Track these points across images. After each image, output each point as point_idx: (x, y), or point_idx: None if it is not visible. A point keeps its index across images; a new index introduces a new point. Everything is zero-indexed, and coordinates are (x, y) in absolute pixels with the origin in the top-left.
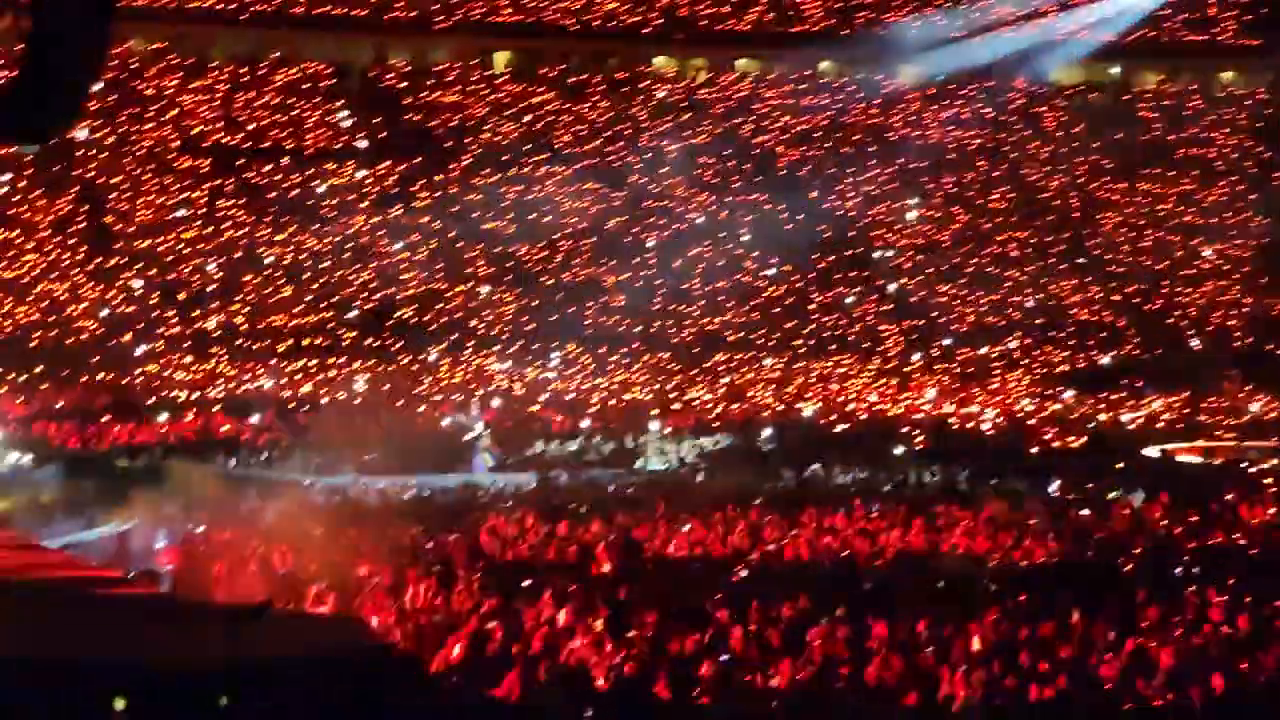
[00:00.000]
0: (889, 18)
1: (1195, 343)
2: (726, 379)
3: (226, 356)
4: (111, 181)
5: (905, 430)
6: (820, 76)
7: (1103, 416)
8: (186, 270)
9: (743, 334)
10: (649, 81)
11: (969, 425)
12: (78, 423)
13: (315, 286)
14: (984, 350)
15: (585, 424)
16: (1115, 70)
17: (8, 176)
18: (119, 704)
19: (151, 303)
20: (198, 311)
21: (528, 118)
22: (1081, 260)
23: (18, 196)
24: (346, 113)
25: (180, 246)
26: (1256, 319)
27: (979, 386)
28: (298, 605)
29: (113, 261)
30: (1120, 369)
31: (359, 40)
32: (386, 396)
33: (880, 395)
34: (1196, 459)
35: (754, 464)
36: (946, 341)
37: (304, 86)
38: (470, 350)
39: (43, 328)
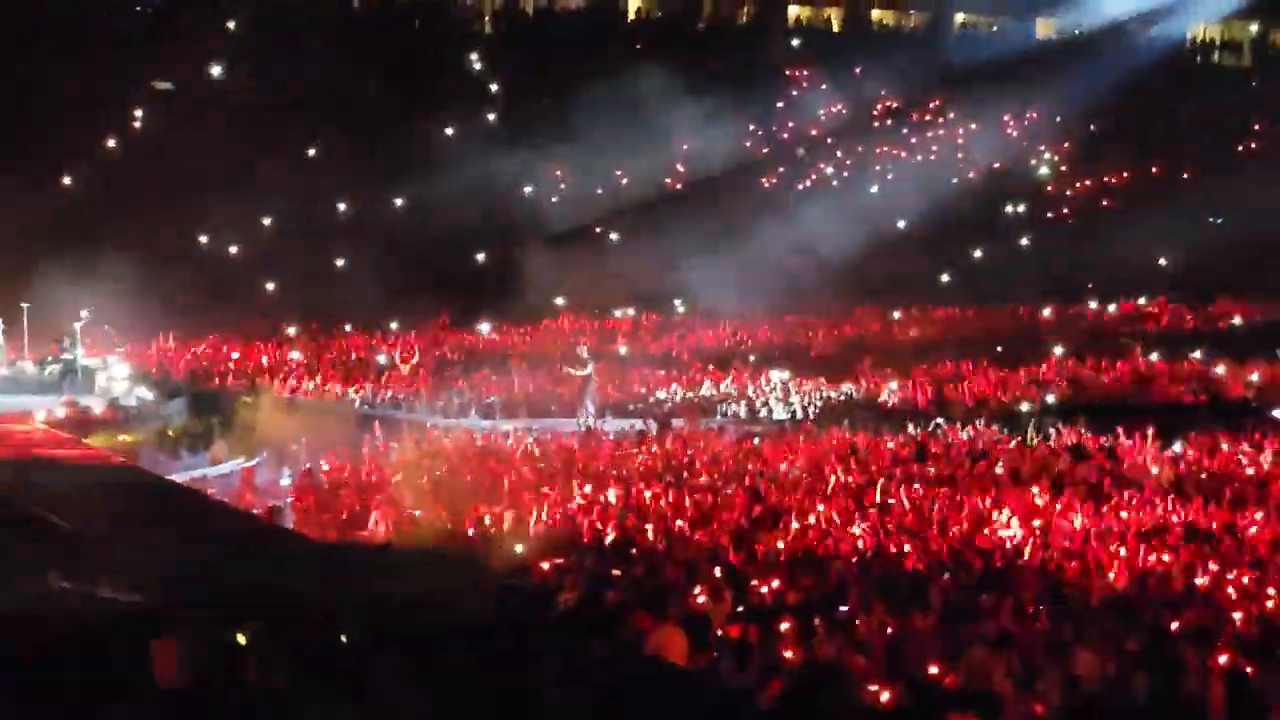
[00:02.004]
0: None
1: None
2: (851, 330)
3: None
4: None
5: (1033, 386)
6: (959, 27)
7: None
8: (321, 212)
9: (870, 286)
10: (782, 31)
11: (1098, 381)
12: (206, 357)
13: (441, 230)
14: (1112, 308)
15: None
16: (1254, 27)
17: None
18: (242, 637)
19: (285, 242)
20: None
21: (657, 67)
22: (1210, 216)
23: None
24: (477, 57)
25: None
26: None
27: (1107, 343)
28: (420, 545)
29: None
30: (1251, 328)
31: None
32: (511, 340)
33: (1006, 352)
34: None
35: (877, 415)
36: (1076, 295)
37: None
38: (591, 298)
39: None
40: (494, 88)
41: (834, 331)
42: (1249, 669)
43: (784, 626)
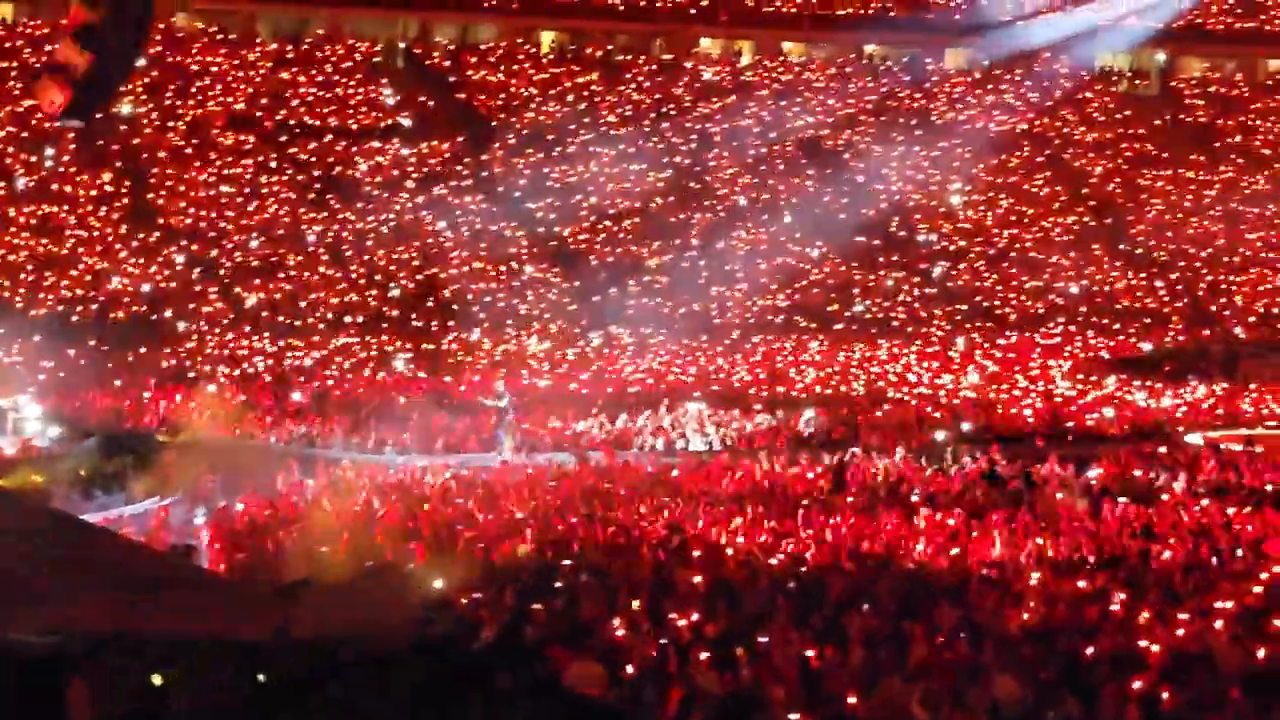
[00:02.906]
0: (936, 1)
1: (1239, 330)
2: (768, 360)
3: (268, 333)
4: (156, 156)
5: (947, 414)
6: (866, 59)
7: (1146, 403)
8: (229, 246)
9: (785, 316)
10: (694, 63)
11: (1011, 410)
12: (117, 398)
13: (357, 265)
14: (1026, 335)
15: (628, 404)
16: (1160, 56)
17: (50, 151)
18: (156, 679)
19: (194, 278)
20: (239, 289)
21: (571, 98)
22: (1124, 247)
23: (60, 170)
24: (390, 90)
25: (223, 223)
26: None
27: (1021, 371)
28: (337, 580)
29: (154, 236)
30: (1163, 355)
31: (404, 17)
32: (427, 376)
33: (920, 379)
34: (1237, 446)
35: (794, 445)
36: (989, 325)
37: (347, 64)
38: (511, 330)
39: (83, 302)
40: (406, 121)
41: (749, 362)
42: (1164, 695)
43: (703, 657)
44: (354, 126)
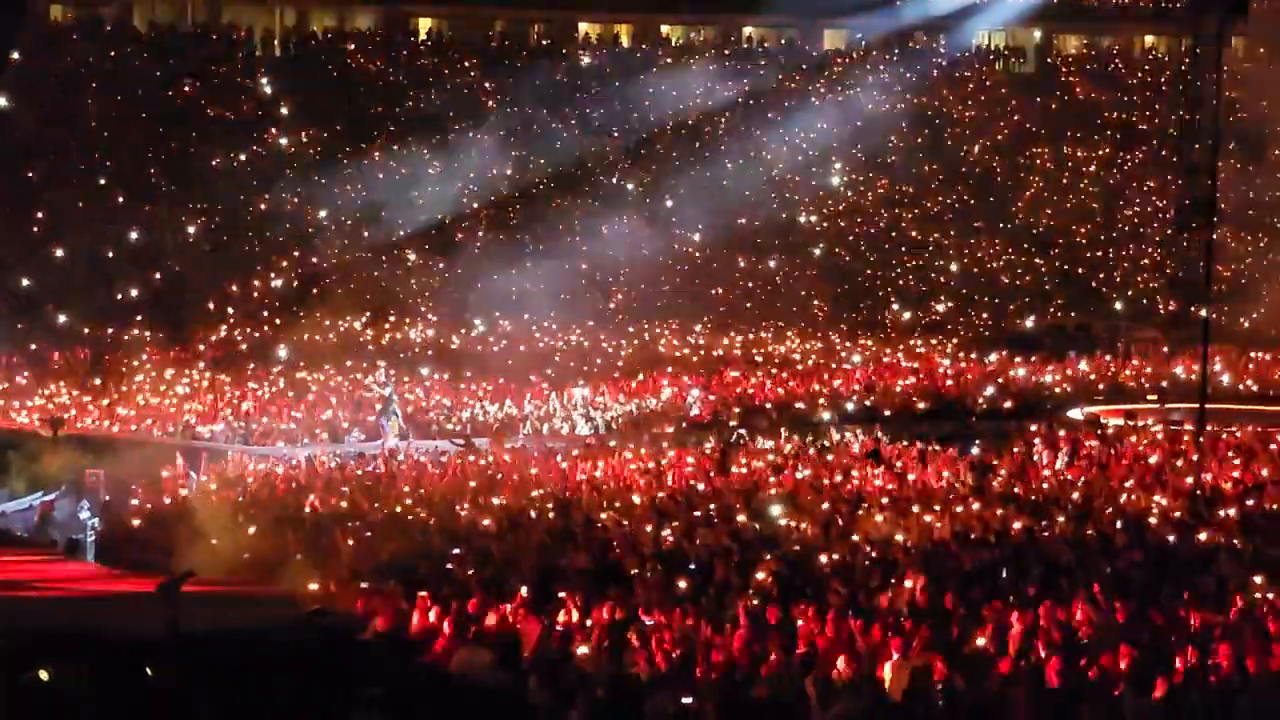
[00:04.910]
0: None
1: (1119, 306)
2: (653, 344)
3: (150, 324)
4: (33, 148)
5: (830, 395)
6: (745, 41)
7: (1028, 379)
8: (108, 239)
9: (668, 300)
10: (572, 49)
11: (895, 389)
12: None
13: (237, 254)
14: (908, 315)
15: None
16: (1037, 34)
17: None
18: (43, 674)
19: (76, 272)
20: (120, 281)
21: (449, 86)
22: (1005, 225)
23: None
24: (267, 80)
25: (101, 216)
26: (1177, 283)
27: (904, 350)
28: (221, 573)
29: (34, 230)
30: (1044, 332)
31: (281, 5)
32: (310, 365)
33: (804, 359)
34: (1119, 421)
35: (680, 429)
36: (870, 304)
37: (224, 52)
38: (394, 318)
39: None
40: (284, 110)
41: (633, 346)
42: (1051, 671)
43: (591, 640)
44: (231, 115)
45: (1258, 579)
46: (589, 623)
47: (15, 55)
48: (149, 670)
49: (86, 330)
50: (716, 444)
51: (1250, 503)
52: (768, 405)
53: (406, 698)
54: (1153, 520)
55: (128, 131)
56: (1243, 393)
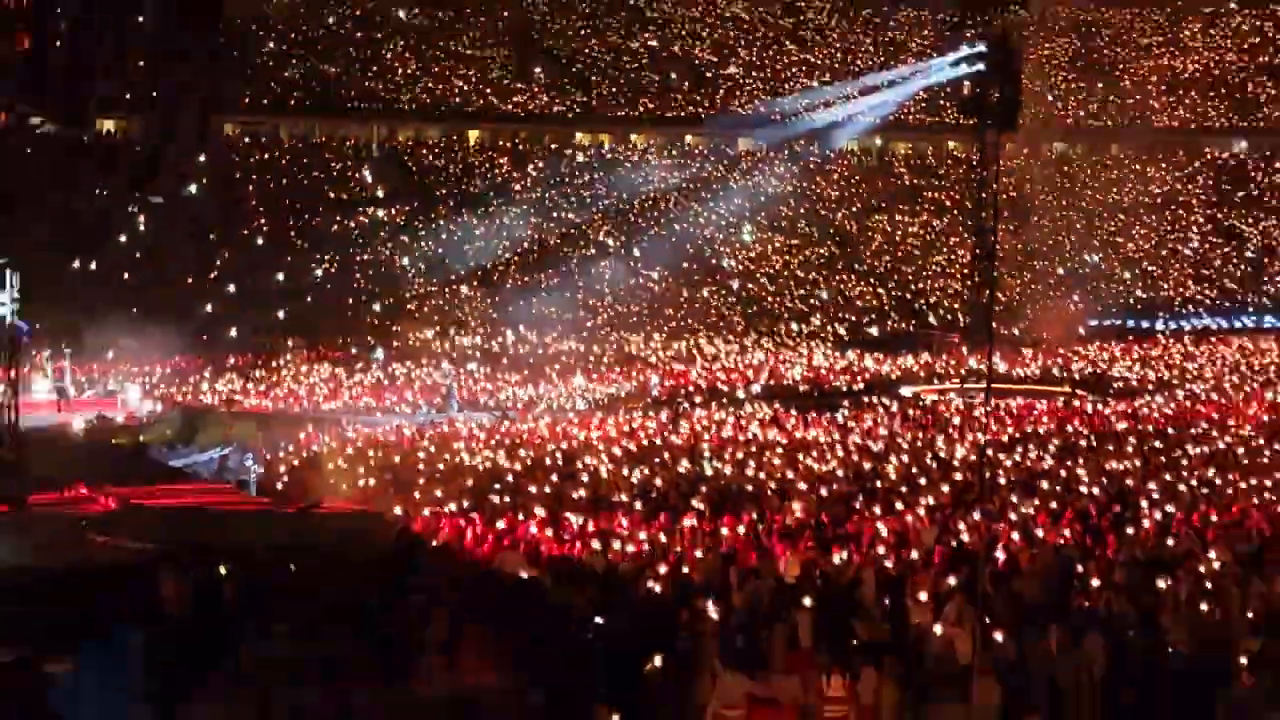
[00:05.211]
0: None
1: (931, 319)
2: (623, 347)
3: (292, 336)
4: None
5: (743, 378)
6: (687, 146)
7: (874, 368)
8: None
9: (636, 318)
10: (572, 151)
11: (786, 377)
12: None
13: (347, 289)
14: (795, 326)
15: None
16: (878, 140)
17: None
18: (223, 569)
19: (243, 301)
20: (271, 308)
21: (490, 176)
22: (857, 266)
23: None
24: (369, 171)
25: (258, 263)
26: (972, 305)
27: (793, 351)
28: (329, 500)
29: (212, 274)
30: (885, 337)
31: (377, 122)
32: (398, 362)
33: (725, 356)
34: (933, 396)
35: (646, 403)
36: (770, 319)
37: (339, 152)
38: (453, 331)
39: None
40: (380, 191)
41: (611, 350)
42: (888, 563)
43: (588, 545)
44: (345, 195)
45: (1031, 502)
46: (588, 532)
47: (202, 157)
48: (291, 565)
49: (251, 340)
50: (670, 414)
51: (1019, 449)
52: (702, 388)
53: (459, 585)
54: (955, 461)
55: (278, 206)
56: (1014, 378)
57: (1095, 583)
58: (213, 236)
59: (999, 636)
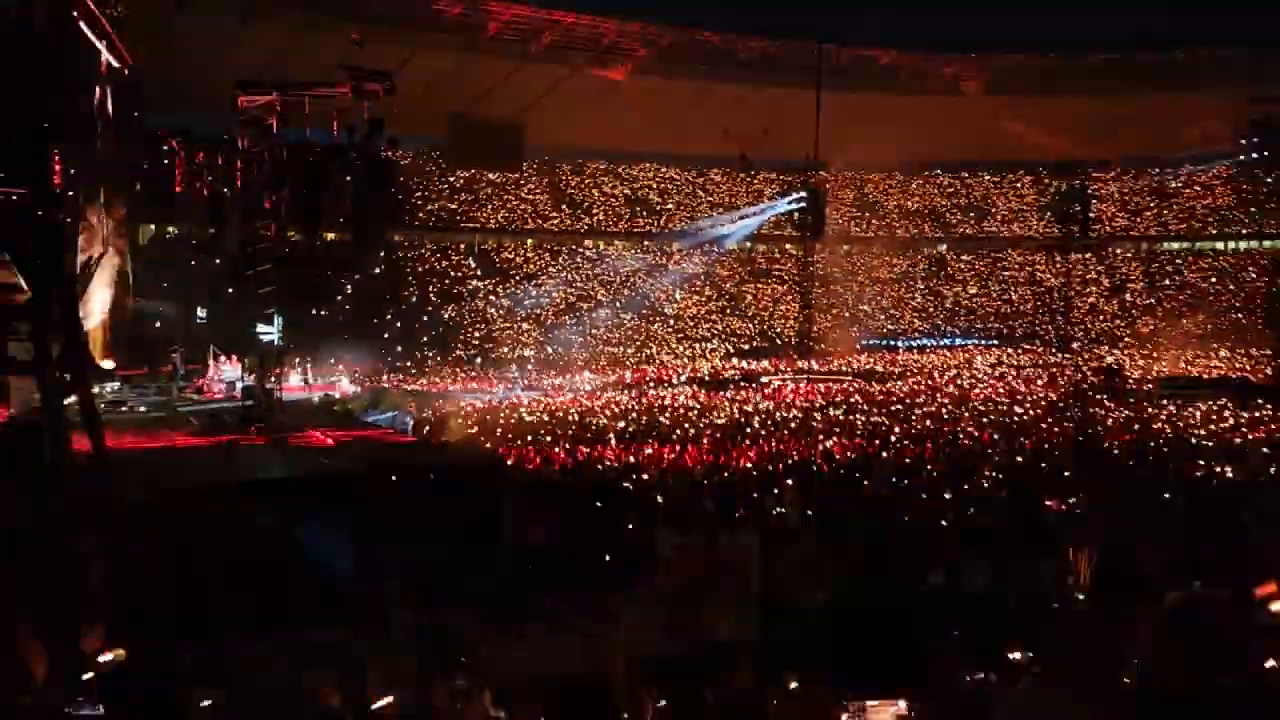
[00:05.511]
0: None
1: (779, 340)
2: (607, 354)
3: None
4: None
5: (677, 374)
6: (641, 249)
7: (748, 366)
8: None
9: (613, 339)
10: (582, 251)
11: (700, 372)
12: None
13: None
14: (706, 346)
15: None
16: (749, 244)
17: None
18: (393, 477)
19: (404, 335)
20: (422, 341)
21: (526, 270)
22: (738, 315)
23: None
24: (472, 261)
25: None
26: (798, 333)
27: (703, 358)
28: (452, 440)
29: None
30: (755, 349)
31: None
32: (486, 366)
33: (668, 363)
34: (780, 381)
35: (622, 386)
36: (690, 344)
37: (454, 252)
38: (515, 349)
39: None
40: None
41: (602, 355)
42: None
43: (592, 460)
44: (459, 275)
45: (831, 435)
46: (592, 456)
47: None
48: (431, 475)
49: (410, 353)
50: (637, 393)
51: (827, 409)
52: (655, 378)
53: (521, 484)
54: (789, 416)
55: (425, 285)
56: (820, 371)
57: (865, 483)
58: (387, 297)
59: (810, 512)
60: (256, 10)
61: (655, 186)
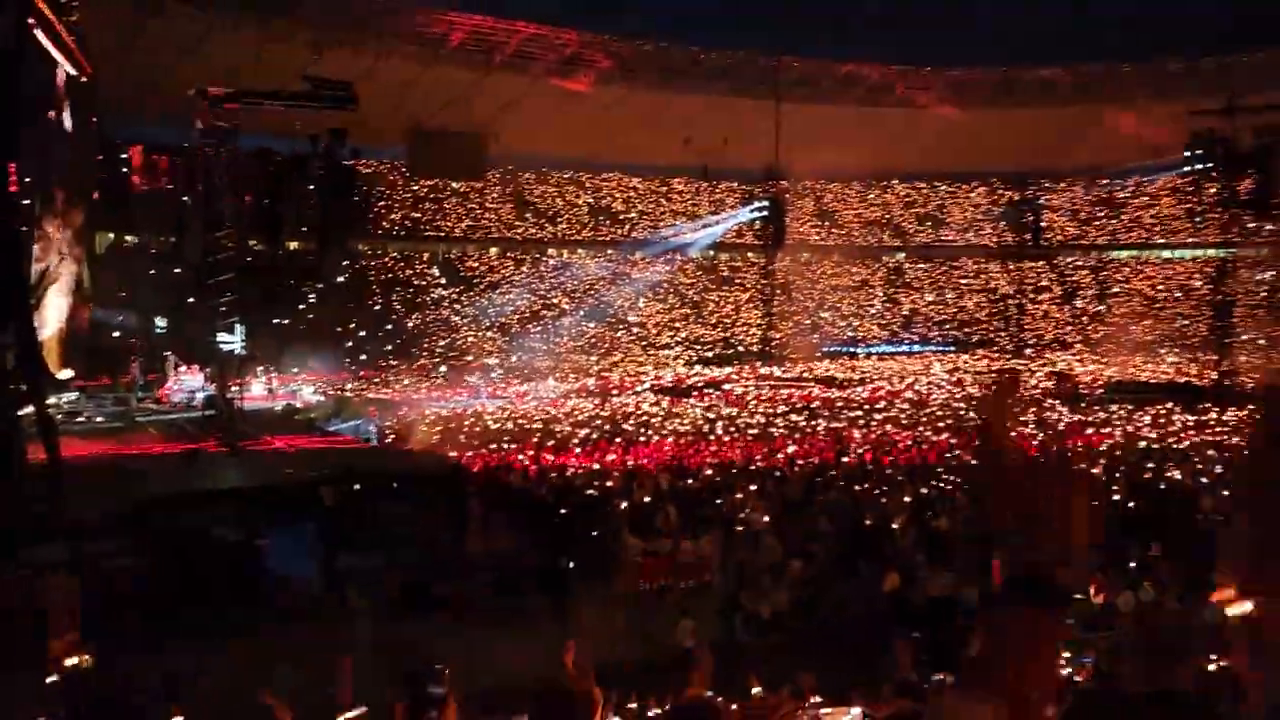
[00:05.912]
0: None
1: (740, 349)
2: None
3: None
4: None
5: (641, 382)
6: (608, 259)
7: (712, 373)
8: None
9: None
10: (546, 260)
11: (664, 380)
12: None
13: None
14: (663, 353)
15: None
16: (713, 253)
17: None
18: (355, 485)
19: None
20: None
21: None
22: (700, 324)
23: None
24: (436, 270)
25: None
26: (760, 340)
27: (668, 368)
28: (415, 447)
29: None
30: (717, 357)
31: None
32: (457, 375)
33: (633, 373)
34: (741, 389)
35: (596, 393)
36: (654, 354)
37: (420, 261)
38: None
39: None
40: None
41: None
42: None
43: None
44: (422, 284)
45: (794, 438)
46: (554, 462)
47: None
48: (395, 483)
49: (371, 362)
50: (601, 400)
51: (789, 415)
52: (619, 385)
53: (485, 490)
54: (751, 420)
55: (390, 292)
56: (783, 378)
57: (827, 488)
58: (351, 306)
59: (770, 517)
60: (219, 19)
61: (619, 196)
